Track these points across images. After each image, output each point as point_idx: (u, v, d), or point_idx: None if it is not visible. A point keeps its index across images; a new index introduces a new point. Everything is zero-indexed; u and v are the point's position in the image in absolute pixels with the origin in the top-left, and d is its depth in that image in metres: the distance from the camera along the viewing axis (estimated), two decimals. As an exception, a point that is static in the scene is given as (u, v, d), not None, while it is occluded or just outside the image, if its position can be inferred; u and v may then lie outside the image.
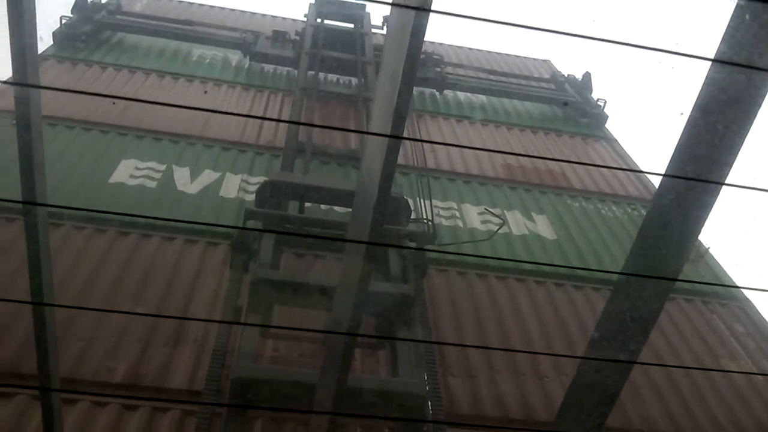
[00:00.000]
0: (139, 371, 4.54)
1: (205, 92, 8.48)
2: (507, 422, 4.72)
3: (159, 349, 4.71)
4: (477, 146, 8.37)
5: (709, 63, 2.48)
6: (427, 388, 4.65)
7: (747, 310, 6.34)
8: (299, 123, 7.38)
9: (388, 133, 2.30)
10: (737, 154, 2.60)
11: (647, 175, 8.42)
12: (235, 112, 8.00)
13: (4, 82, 4.10)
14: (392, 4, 2.39)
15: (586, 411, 3.05)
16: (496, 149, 8.49)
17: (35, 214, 2.64)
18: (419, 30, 2.10)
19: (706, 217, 2.73)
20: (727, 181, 2.58)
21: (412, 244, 5.56)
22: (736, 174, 2.60)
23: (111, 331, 4.74)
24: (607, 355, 2.96)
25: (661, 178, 2.81)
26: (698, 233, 2.81)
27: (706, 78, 2.52)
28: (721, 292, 6.49)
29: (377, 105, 2.80)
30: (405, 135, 2.35)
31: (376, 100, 2.87)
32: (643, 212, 7.65)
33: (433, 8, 2.03)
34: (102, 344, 4.65)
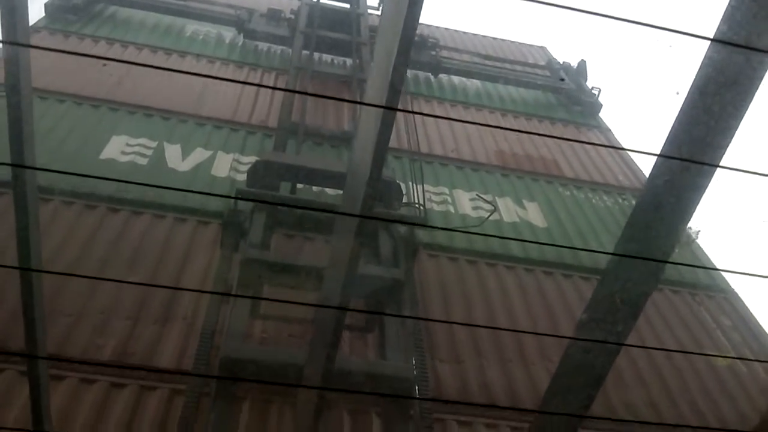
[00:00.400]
0: (127, 349, 4.53)
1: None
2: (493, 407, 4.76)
3: (148, 327, 4.69)
4: (470, 131, 8.33)
5: (708, 43, 2.47)
6: (415, 372, 4.68)
7: (733, 302, 6.40)
8: (294, 92, 7.31)
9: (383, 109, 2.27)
10: (733, 136, 2.59)
11: (638, 166, 8.45)
12: (229, 90, 7.90)
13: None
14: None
15: (573, 392, 3.06)
16: (489, 134, 8.44)
17: (24, 181, 2.60)
18: (415, 3, 2.06)
19: (699, 200, 2.73)
20: (722, 164, 2.58)
21: (403, 228, 5.56)
22: (731, 157, 2.61)
23: (99, 308, 4.72)
24: (595, 337, 2.97)
25: (655, 160, 2.80)
26: (691, 216, 2.81)
27: (705, 58, 2.50)
28: (709, 283, 6.54)
29: (372, 79, 2.76)
30: (398, 119, 2.33)
31: (371, 74, 2.84)
32: (634, 202, 7.66)
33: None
34: (90, 321, 4.63)
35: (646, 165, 8.64)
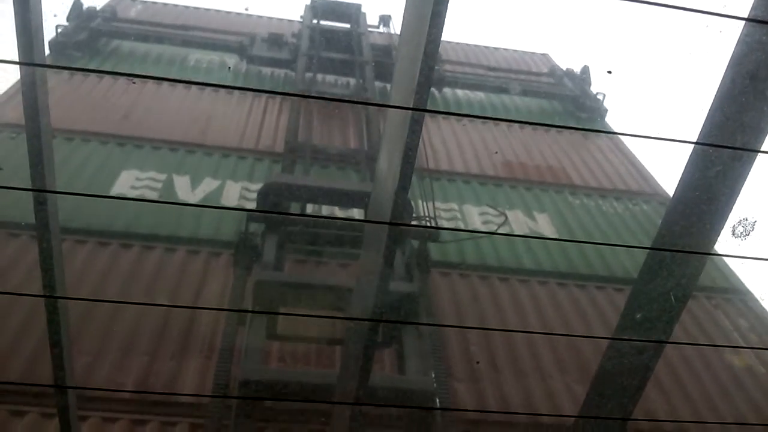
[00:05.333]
0: (147, 386, 4.55)
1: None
2: (512, 426, 4.74)
3: (166, 363, 4.72)
4: (477, 145, 8.36)
5: (743, 27, 2.40)
6: (435, 385, 4.68)
7: (750, 304, 6.35)
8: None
9: (405, 132, 2.24)
10: None
11: (649, 171, 8.42)
12: (234, 117, 7.98)
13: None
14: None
15: (615, 399, 3.02)
16: (496, 146, 8.45)
17: (48, 222, 2.61)
18: (438, 19, 2.01)
19: (741, 188, 2.65)
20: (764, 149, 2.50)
21: (415, 242, 5.60)
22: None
23: (117, 347, 4.75)
24: (633, 344, 2.92)
25: (693, 149, 2.68)
26: (734, 204, 2.71)
27: (754, 42, 2.40)
28: (726, 287, 6.49)
29: (394, 101, 2.73)
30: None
31: (392, 96, 2.82)
32: (645, 207, 7.65)
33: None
34: (109, 360, 4.66)
35: (653, 166, 8.60)
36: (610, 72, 9.82)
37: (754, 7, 2.44)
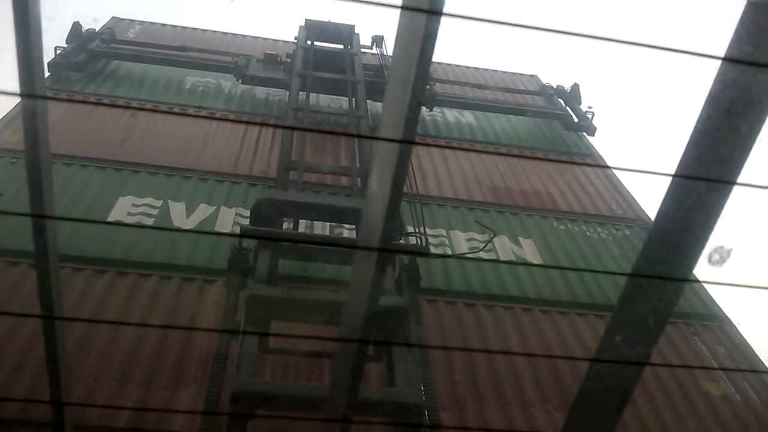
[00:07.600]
0: (142, 414, 4.71)
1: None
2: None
3: (160, 393, 4.88)
4: (465, 168, 8.56)
5: (720, 63, 2.57)
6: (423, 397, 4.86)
7: (728, 331, 6.54)
8: (300, 129, 7.51)
9: (399, 141, 2.35)
10: (749, 153, 2.70)
11: (633, 195, 8.62)
12: (230, 141, 8.17)
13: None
14: (402, 8, 2.34)
15: (595, 419, 3.17)
16: (484, 170, 8.65)
17: (47, 248, 2.73)
18: (431, 34, 2.08)
19: (718, 219, 2.84)
20: (740, 181, 2.67)
21: (405, 259, 5.77)
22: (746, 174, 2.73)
23: (113, 375, 4.92)
24: (611, 371, 3.06)
25: (671, 180, 2.87)
26: (710, 233, 2.88)
27: (729, 80, 2.55)
28: (704, 313, 6.68)
29: (386, 111, 2.81)
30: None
31: (383, 116, 2.94)
32: (628, 233, 7.85)
33: (445, 11, 2.00)
34: (104, 389, 4.83)
35: (636, 190, 8.81)
36: (590, 108, 10.00)
37: (729, 47, 2.63)
